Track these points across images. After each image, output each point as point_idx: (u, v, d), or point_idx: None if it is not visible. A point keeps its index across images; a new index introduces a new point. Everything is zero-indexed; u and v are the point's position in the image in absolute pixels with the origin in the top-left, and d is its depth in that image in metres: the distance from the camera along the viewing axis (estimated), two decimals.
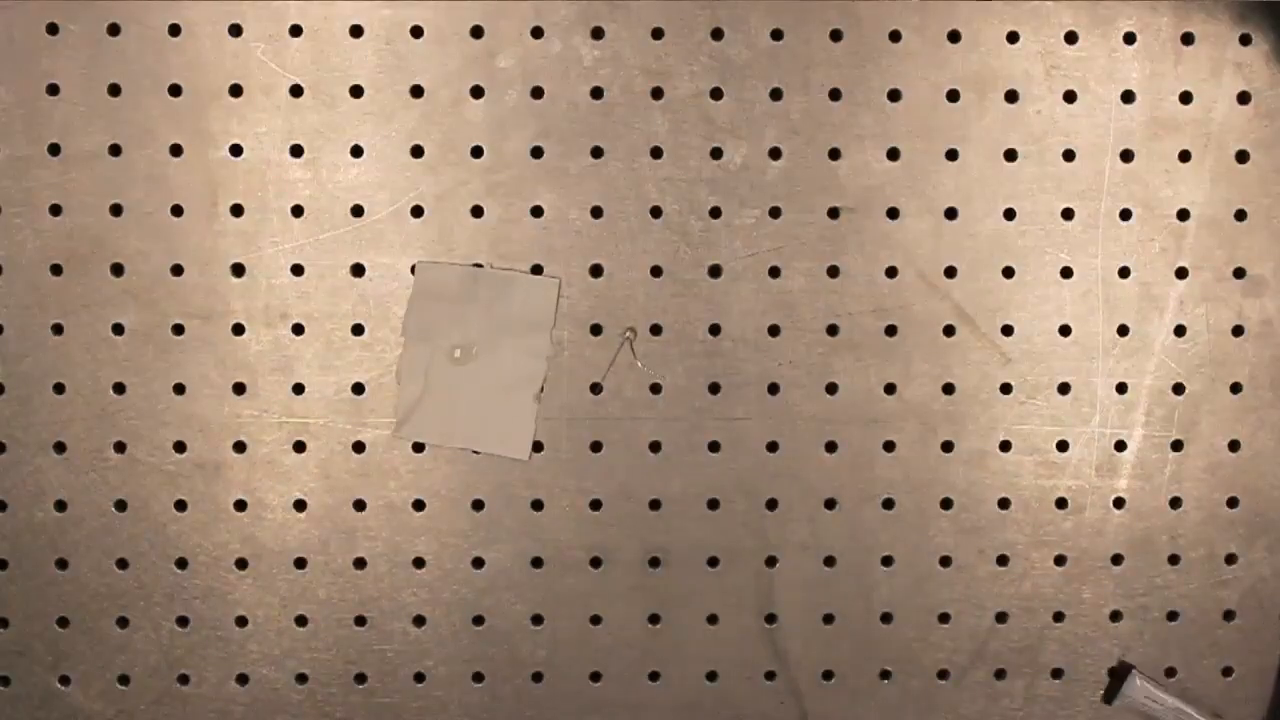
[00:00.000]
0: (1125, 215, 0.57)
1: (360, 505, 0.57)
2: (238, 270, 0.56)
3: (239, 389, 0.56)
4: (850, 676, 0.58)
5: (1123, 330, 0.57)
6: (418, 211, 0.56)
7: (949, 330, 0.57)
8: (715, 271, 0.57)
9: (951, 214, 0.57)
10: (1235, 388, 0.57)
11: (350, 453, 0.57)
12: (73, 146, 0.56)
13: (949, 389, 0.57)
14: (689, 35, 0.56)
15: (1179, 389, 0.57)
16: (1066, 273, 0.57)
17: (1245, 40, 0.56)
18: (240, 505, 0.57)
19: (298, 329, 0.57)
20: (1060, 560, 0.58)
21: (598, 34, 0.56)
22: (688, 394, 0.57)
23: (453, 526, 0.57)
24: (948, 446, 0.57)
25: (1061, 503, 0.58)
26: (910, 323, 0.57)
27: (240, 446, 0.57)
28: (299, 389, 0.56)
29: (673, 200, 0.56)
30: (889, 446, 0.57)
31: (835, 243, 0.57)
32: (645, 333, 0.57)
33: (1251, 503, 0.58)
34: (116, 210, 0.56)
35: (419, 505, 0.57)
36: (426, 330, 0.56)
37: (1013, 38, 0.56)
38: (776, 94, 0.56)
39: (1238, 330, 0.57)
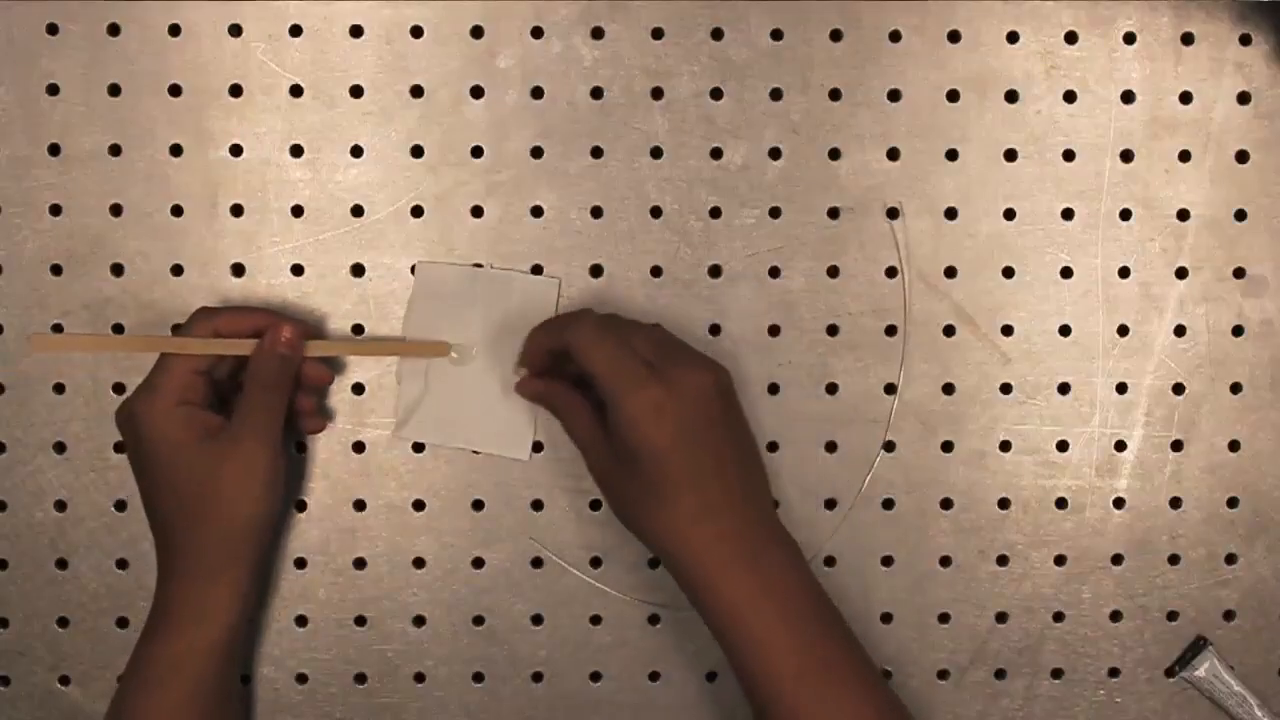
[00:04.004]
0: (1125, 215, 0.57)
1: (360, 505, 0.57)
2: (238, 270, 0.56)
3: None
4: None
5: (1123, 330, 0.57)
6: (418, 211, 0.56)
7: (949, 330, 0.57)
8: (715, 271, 0.57)
9: (951, 214, 0.57)
10: (1235, 388, 0.57)
11: (350, 453, 0.57)
12: (73, 146, 0.56)
13: (949, 389, 0.57)
14: (689, 35, 0.56)
15: (1179, 389, 0.57)
16: (1066, 273, 0.57)
17: (1245, 40, 0.56)
18: None
19: None
20: (1060, 560, 0.58)
21: (598, 34, 0.56)
22: None
23: (453, 526, 0.57)
24: (948, 446, 0.57)
25: (1061, 503, 0.58)
26: (910, 323, 0.57)
27: None
28: None
29: (673, 200, 0.56)
30: (889, 446, 0.57)
31: (835, 243, 0.57)
32: None
33: (1251, 503, 0.58)
34: (116, 210, 0.56)
35: (419, 505, 0.57)
36: (426, 330, 0.56)
37: (1013, 38, 0.56)
38: (776, 94, 0.56)
39: (1238, 330, 0.57)
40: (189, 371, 0.52)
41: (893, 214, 0.57)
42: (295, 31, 0.56)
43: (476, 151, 0.56)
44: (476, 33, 0.56)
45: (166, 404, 0.51)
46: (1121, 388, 0.57)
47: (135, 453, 0.52)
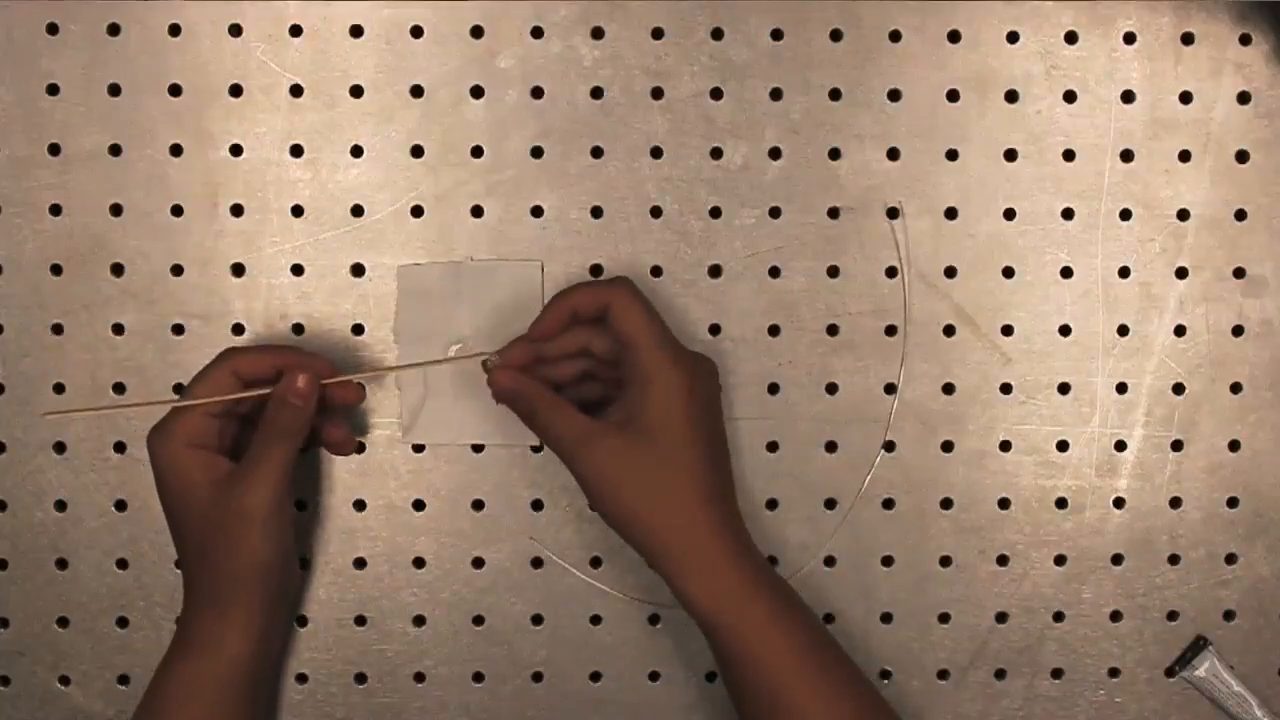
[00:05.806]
0: (1125, 215, 0.57)
1: (360, 505, 0.57)
2: (238, 270, 0.56)
3: None
4: None
5: (1123, 330, 0.57)
6: (418, 211, 0.56)
7: (949, 330, 0.57)
8: (715, 271, 0.57)
9: (951, 214, 0.57)
10: (1235, 388, 0.57)
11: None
12: (73, 146, 0.56)
13: (949, 389, 0.57)
14: (689, 35, 0.56)
15: (1179, 389, 0.57)
16: (1066, 273, 0.57)
17: (1245, 40, 0.56)
18: None
19: (298, 329, 0.57)
20: (1060, 560, 0.58)
21: (598, 34, 0.56)
22: None
23: (453, 526, 0.57)
24: (948, 446, 0.57)
25: (1061, 503, 0.58)
26: (910, 323, 0.57)
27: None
28: None
29: (673, 200, 0.56)
30: (889, 446, 0.57)
31: (835, 243, 0.57)
32: None
33: (1251, 503, 0.58)
34: (116, 210, 0.56)
35: (419, 505, 0.57)
36: (419, 332, 0.56)
37: (1013, 38, 0.56)
38: (776, 94, 0.56)
39: (1238, 330, 0.57)
40: (202, 415, 0.51)
41: (893, 214, 0.57)
42: (295, 31, 0.56)
43: (476, 151, 0.56)
44: (476, 33, 0.56)
45: (177, 446, 0.51)
46: (1121, 388, 0.57)
47: (156, 484, 0.52)
